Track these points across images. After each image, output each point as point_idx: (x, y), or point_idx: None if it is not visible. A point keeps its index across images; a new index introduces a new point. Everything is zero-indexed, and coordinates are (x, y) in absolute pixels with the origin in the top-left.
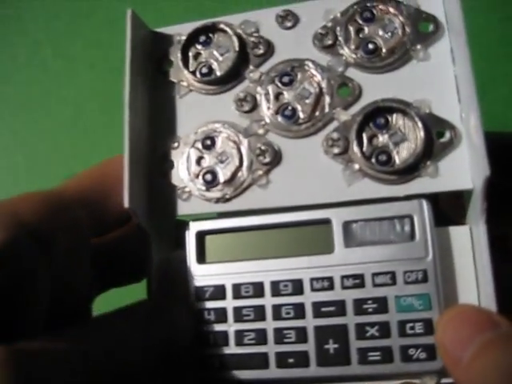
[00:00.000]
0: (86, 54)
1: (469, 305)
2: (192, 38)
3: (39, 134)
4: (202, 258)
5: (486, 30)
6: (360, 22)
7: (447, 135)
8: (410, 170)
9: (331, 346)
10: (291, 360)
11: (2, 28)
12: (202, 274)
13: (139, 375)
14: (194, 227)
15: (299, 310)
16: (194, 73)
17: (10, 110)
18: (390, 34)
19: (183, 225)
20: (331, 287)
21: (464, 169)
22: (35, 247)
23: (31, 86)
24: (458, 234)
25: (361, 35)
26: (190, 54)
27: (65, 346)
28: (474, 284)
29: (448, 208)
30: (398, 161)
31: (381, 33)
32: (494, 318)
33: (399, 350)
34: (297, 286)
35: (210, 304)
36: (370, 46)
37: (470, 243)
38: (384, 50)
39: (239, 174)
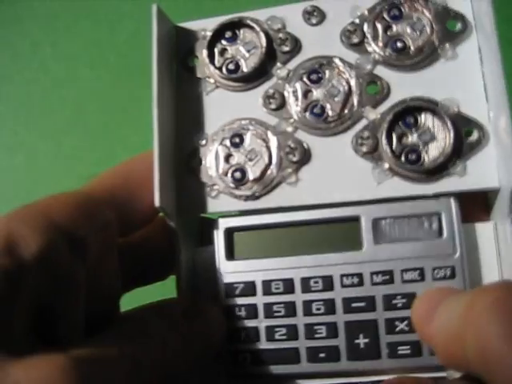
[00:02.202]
0: (85, 54)
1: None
2: (218, 34)
3: (39, 134)
4: (231, 254)
5: None
6: (388, 19)
7: (475, 134)
8: (439, 169)
9: (361, 341)
10: (322, 354)
11: (2, 28)
12: (232, 271)
13: (179, 375)
14: (223, 224)
15: (330, 306)
16: (220, 69)
17: (10, 109)
18: (418, 32)
19: (207, 222)
20: (361, 283)
21: (491, 168)
22: (71, 250)
23: (31, 86)
24: (483, 231)
25: (389, 33)
26: (216, 49)
27: (114, 350)
28: (498, 279)
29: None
30: (427, 160)
31: (409, 31)
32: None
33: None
34: (327, 283)
35: (240, 300)
36: (399, 44)
37: (494, 239)
38: (412, 49)
39: (268, 171)
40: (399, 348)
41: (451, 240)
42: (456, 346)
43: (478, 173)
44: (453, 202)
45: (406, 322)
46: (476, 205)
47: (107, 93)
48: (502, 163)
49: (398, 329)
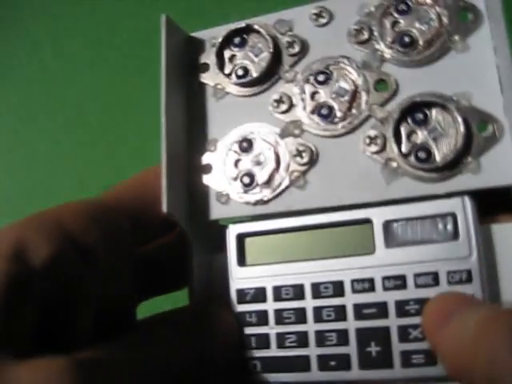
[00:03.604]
0: (85, 54)
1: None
2: (227, 41)
3: (39, 134)
4: (242, 260)
5: None
6: (395, 14)
7: (490, 129)
8: (451, 167)
9: (373, 349)
10: (333, 363)
11: (2, 28)
12: (243, 277)
13: (189, 382)
14: (234, 230)
15: (340, 312)
16: (229, 75)
17: (10, 109)
18: (426, 25)
19: (225, 229)
20: (372, 289)
21: (508, 164)
22: (81, 259)
23: (31, 86)
24: (505, 232)
25: (396, 28)
26: (226, 56)
27: (121, 356)
28: None
29: (494, 204)
30: (437, 157)
31: (417, 25)
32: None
33: None
34: (337, 288)
35: (251, 307)
36: (406, 39)
37: None
38: (421, 43)
39: (276, 175)
40: (413, 357)
41: (467, 242)
42: (465, 360)
43: (494, 169)
44: (468, 201)
45: (419, 330)
46: (502, 205)
47: (107, 93)
48: None
49: (411, 336)
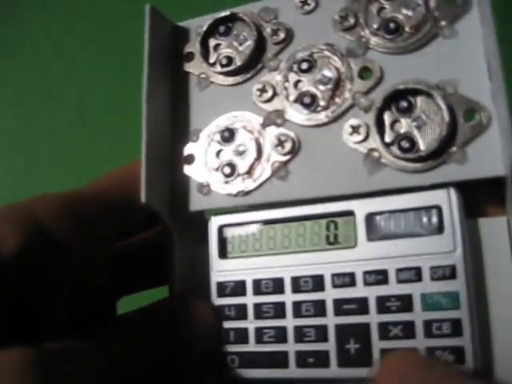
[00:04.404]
0: (85, 54)
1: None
2: (212, 29)
3: (39, 134)
4: (223, 252)
5: None
6: (381, 0)
7: (476, 117)
8: (436, 156)
9: (352, 346)
10: (311, 359)
11: (2, 28)
12: (224, 269)
13: (165, 375)
14: (216, 221)
15: (320, 308)
16: (214, 64)
17: (11, 110)
18: (412, 10)
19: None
20: (353, 283)
21: (496, 154)
22: (51, 249)
23: (31, 86)
24: (494, 227)
25: (382, 14)
26: (210, 45)
27: (90, 347)
28: (510, 281)
29: (483, 197)
30: (422, 146)
31: (403, 10)
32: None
33: (425, 351)
34: (317, 282)
35: (230, 300)
36: (392, 25)
37: (507, 237)
38: (407, 29)
39: (258, 166)
40: None
41: (452, 236)
42: None
43: (481, 159)
44: (453, 193)
45: (400, 327)
46: (490, 198)
47: (107, 93)
48: (506, 147)
49: (391, 334)
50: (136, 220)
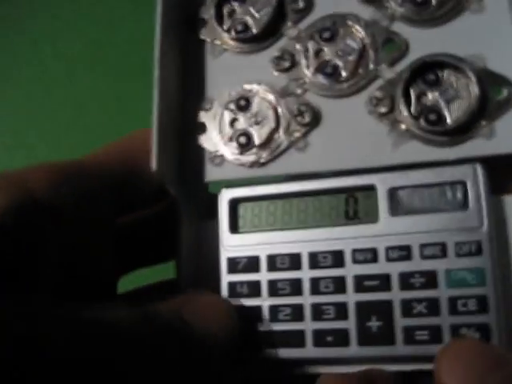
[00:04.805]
0: (85, 54)
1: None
2: None
3: (39, 134)
4: (234, 227)
5: None
6: None
7: (504, 92)
8: (463, 131)
9: (374, 324)
10: (330, 338)
11: (2, 28)
12: (235, 245)
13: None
14: (227, 194)
15: (339, 284)
16: (228, 31)
17: (10, 109)
18: None
19: (216, 195)
20: (375, 259)
21: None
22: (41, 215)
23: (31, 86)
24: None
25: None
26: (225, 11)
27: (71, 312)
28: None
29: (509, 174)
30: (449, 120)
31: None
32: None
33: (449, 329)
34: (337, 258)
35: (242, 276)
36: None
37: None
38: (434, 2)
39: (275, 136)
40: (416, 333)
41: (477, 212)
42: None
43: (508, 135)
44: (479, 169)
45: (424, 304)
46: None
47: (107, 93)
48: None
49: (415, 311)
50: (140, 194)
